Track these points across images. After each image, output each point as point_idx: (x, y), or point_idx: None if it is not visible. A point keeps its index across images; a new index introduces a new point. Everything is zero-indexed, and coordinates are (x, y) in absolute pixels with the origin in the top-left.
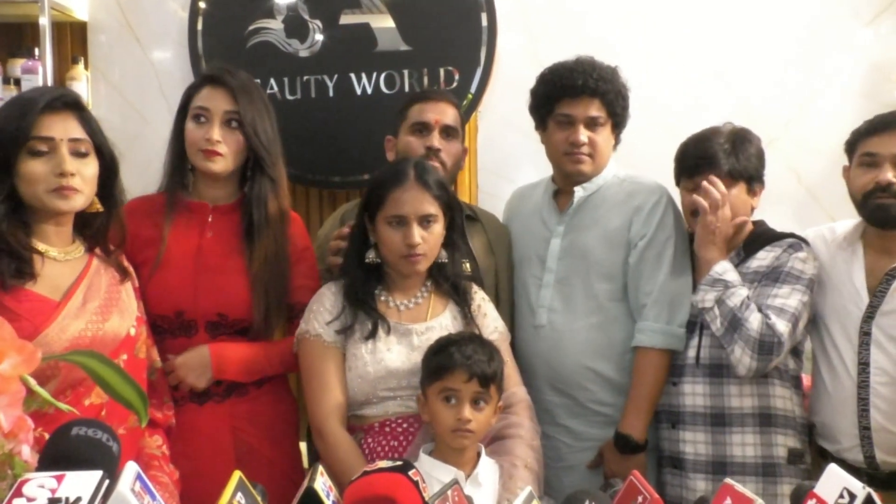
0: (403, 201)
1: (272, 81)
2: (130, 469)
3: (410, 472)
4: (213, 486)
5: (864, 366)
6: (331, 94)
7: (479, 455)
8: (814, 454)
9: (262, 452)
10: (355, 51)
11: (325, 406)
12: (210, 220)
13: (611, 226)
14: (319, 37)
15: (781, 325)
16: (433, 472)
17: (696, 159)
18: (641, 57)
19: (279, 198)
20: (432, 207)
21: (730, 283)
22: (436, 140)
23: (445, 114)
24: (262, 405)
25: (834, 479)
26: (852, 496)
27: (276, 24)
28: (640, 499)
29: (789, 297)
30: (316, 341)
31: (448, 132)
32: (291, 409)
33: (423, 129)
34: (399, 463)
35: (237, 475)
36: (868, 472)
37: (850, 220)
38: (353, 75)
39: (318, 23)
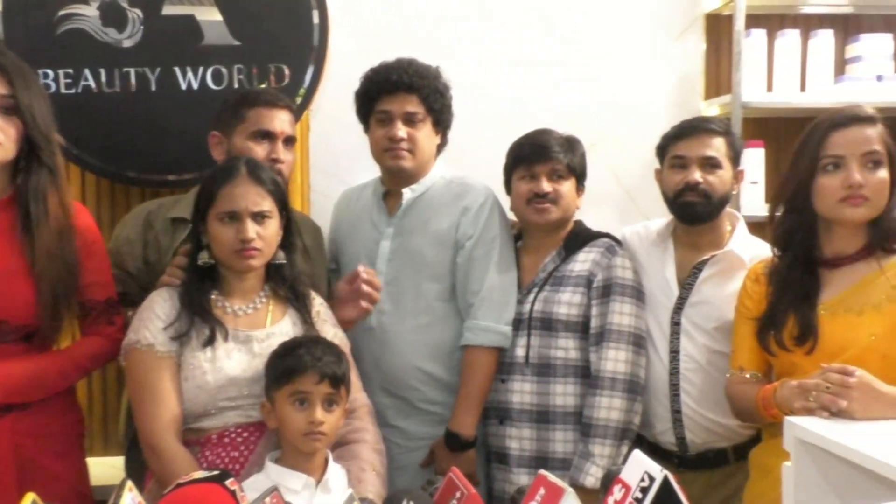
0: (236, 196)
1: (86, 72)
2: None
3: (227, 482)
4: None
5: (674, 354)
6: (153, 87)
7: (326, 461)
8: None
9: (47, 468)
10: (179, 43)
11: (160, 420)
12: None
13: (439, 227)
14: (140, 27)
15: (631, 364)
16: (282, 480)
17: (535, 148)
18: (472, 61)
19: (59, 189)
20: (266, 203)
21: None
22: (280, 151)
23: (289, 123)
24: (47, 417)
25: (637, 465)
26: (651, 479)
27: (91, 11)
28: (458, 494)
29: (629, 316)
30: (147, 352)
31: (289, 142)
32: (77, 419)
33: (266, 137)
34: (215, 473)
35: (30, 497)
36: (679, 453)
37: (662, 218)
38: (177, 69)
39: (139, 12)
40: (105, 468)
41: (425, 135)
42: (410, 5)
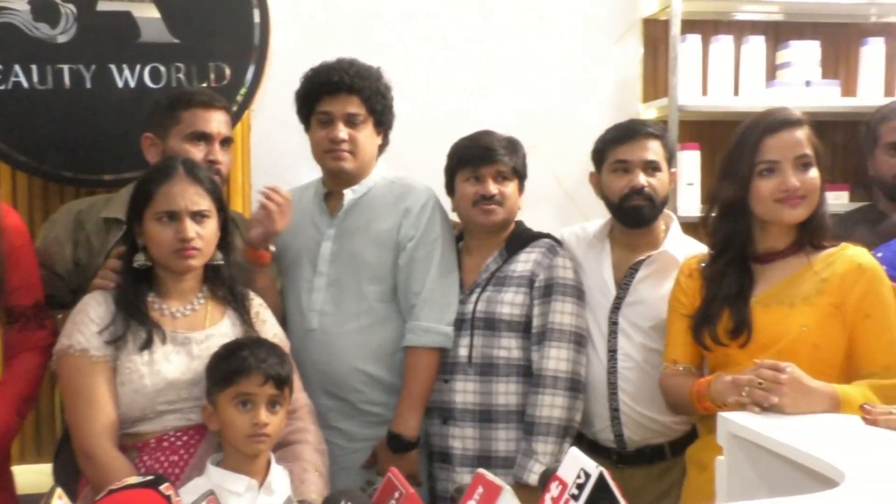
0: (174, 195)
1: (17, 68)
2: None
3: (162, 487)
4: None
5: (612, 353)
6: (88, 85)
7: (269, 462)
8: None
9: None
10: (116, 40)
11: (95, 426)
12: None
13: (381, 228)
14: (74, 22)
15: (573, 362)
16: (224, 483)
17: (481, 150)
18: (413, 61)
19: None
20: (204, 203)
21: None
22: (217, 152)
23: (225, 124)
24: None
25: (573, 462)
26: (587, 475)
27: (21, 5)
28: (396, 494)
29: (570, 316)
30: (81, 356)
31: (226, 143)
32: None
33: (202, 138)
34: (150, 478)
35: (57, 492)
36: (617, 450)
37: (599, 219)
38: (113, 67)
39: (72, 7)
40: (36, 475)
41: (366, 136)
42: (353, 4)
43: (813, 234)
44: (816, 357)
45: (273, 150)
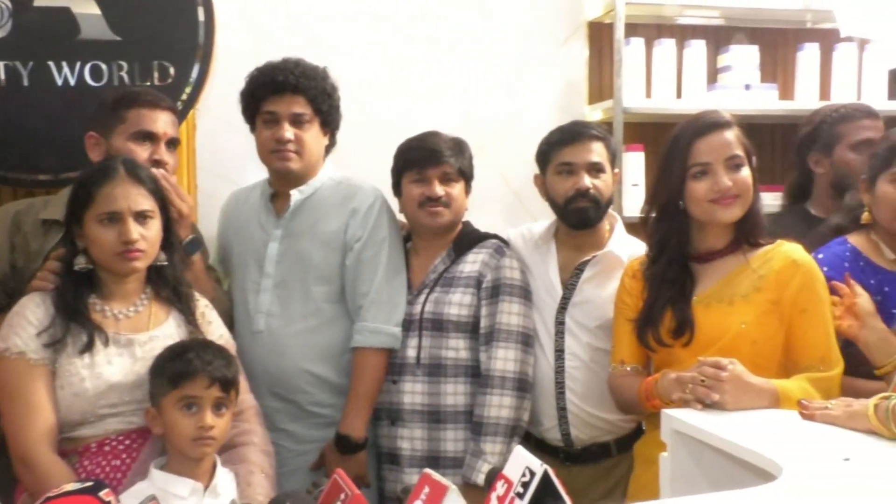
0: (116, 196)
1: None
2: None
3: (102, 493)
4: None
5: (559, 352)
6: (25, 82)
7: (214, 465)
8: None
9: None
10: (54, 37)
11: (33, 431)
12: None
13: (328, 228)
14: (9, 18)
15: (520, 362)
16: (168, 487)
17: (427, 152)
18: (361, 61)
19: None
20: (147, 203)
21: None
22: (163, 152)
23: (171, 124)
24: None
25: (518, 460)
26: (532, 474)
27: None
28: (342, 496)
29: (517, 316)
30: (19, 360)
31: (172, 143)
32: None
33: (147, 138)
34: (89, 484)
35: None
36: (564, 448)
37: (545, 220)
38: (52, 63)
39: (7, 2)
40: None
41: (313, 136)
42: (299, 4)
43: (749, 232)
44: (756, 353)
45: (218, 150)
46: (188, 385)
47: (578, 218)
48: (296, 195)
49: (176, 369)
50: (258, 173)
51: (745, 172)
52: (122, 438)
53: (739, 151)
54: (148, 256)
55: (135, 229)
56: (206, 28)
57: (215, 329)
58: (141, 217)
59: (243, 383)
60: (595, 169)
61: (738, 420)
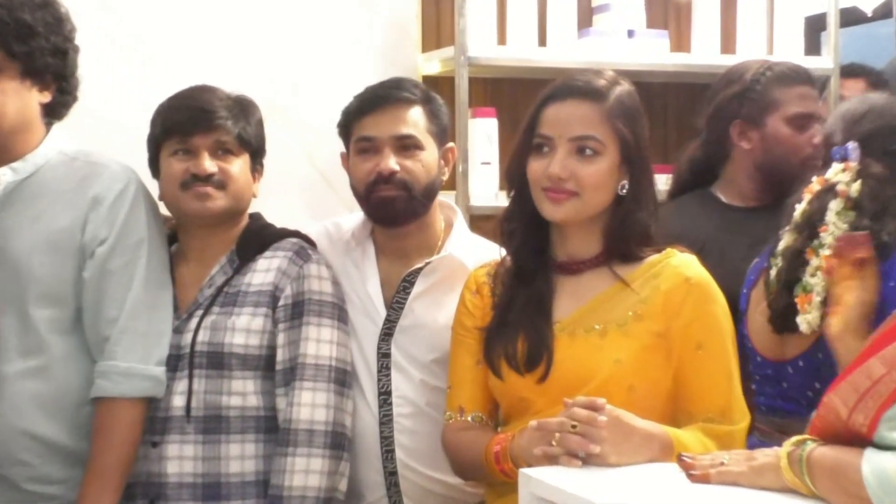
0: None
1: None
2: None
3: None
4: None
5: (385, 395)
6: None
7: None
8: None
9: None
10: None
11: None
12: None
13: (55, 225)
14: None
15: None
16: None
17: (193, 112)
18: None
19: None
20: None
21: None
22: None
23: None
24: None
25: None
26: None
27: None
28: None
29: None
30: None
31: None
32: None
33: None
34: None
35: None
36: None
37: (358, 213)
38: None
39: None
40: None
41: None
42: None
43: (622, 243)
44: (633, 402)
45: None
46: None
47: (381, 211)
48: (7, 175)
49: None
50: None
51: (597, 167)
52: None
53: (596, 134)
54: None
55: None
56: None
57: None
58: None
59: None
60: (405, 145)
61: (622, 479)
